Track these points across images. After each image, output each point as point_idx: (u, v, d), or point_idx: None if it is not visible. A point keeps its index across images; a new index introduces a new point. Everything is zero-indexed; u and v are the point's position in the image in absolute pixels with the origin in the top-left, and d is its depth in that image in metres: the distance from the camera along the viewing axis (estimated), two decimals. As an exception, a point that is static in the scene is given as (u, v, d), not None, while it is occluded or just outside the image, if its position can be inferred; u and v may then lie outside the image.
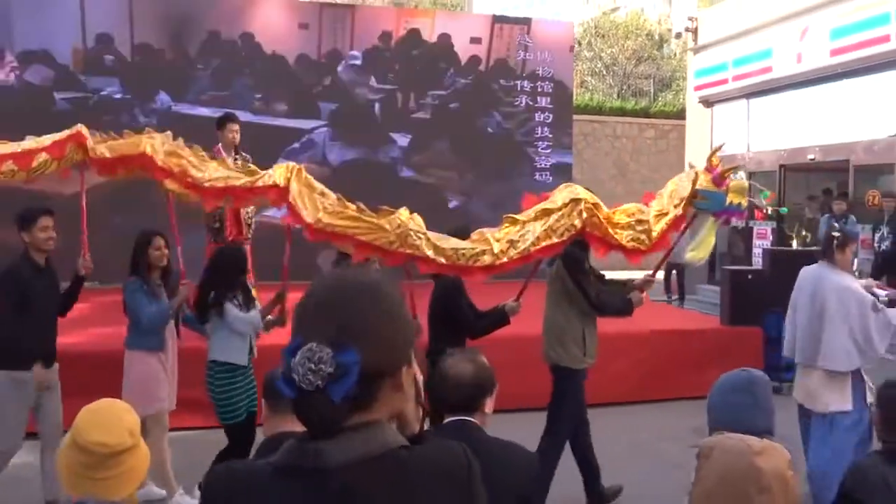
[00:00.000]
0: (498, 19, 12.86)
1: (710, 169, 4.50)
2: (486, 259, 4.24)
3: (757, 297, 7.97)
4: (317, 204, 4.45)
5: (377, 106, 12.13)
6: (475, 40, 12.50)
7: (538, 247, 4.29)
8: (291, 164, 4.74)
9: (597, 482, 4.89)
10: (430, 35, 12.33)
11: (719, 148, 4.84)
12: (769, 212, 8.39)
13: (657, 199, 4.69)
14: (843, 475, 2.83)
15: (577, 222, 4.30)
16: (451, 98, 12.38)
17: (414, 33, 12.26)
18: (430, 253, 4.25)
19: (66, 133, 5.05)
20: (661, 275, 5.12)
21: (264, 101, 11.56)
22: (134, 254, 4.94)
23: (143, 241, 4.95)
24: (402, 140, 12.12)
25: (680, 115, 18.81)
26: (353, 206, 4.46)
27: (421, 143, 12.22)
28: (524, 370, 5.50)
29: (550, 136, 12.60)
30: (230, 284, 4.73)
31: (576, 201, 4.37)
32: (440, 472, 1.17)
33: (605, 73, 28.20)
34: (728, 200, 4.42)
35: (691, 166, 4.82)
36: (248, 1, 11.69)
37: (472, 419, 2.44)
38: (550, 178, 12.12)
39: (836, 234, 4.95)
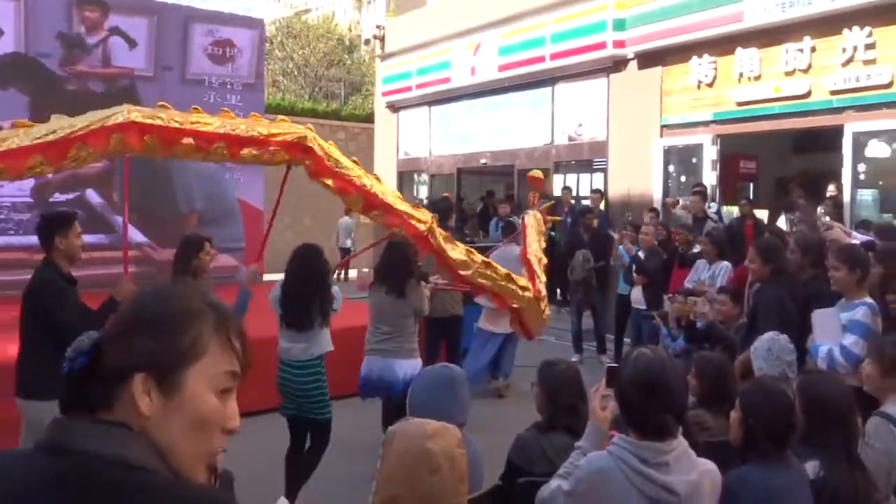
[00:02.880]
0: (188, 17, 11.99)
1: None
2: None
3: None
4: None
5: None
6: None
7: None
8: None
9: None
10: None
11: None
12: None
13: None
14: (510, 448, 3.15)
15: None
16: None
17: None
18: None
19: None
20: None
21: None
22: (180, 259, 4.65)
23: (195, 246, 4.71)
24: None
25: (369, 118, 19.54)
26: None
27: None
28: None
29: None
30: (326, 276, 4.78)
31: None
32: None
33: (297, 73, 28.29)
34: None
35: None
36: None
37: None
38: (241, 178, 11.81)
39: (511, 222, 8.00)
